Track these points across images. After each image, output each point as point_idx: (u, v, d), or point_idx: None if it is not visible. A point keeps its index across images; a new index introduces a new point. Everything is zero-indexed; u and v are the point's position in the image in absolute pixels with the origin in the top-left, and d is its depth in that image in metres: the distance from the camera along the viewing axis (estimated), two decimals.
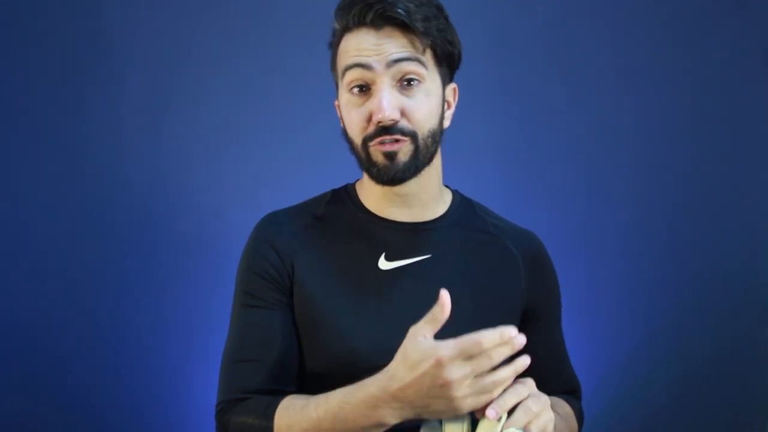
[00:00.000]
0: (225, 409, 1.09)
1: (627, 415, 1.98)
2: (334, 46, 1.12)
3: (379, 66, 1.05)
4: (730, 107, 2.00)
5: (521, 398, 0.93)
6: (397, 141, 1.06)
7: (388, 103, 1.04)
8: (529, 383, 0.95)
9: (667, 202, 2.02)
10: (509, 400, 0.91)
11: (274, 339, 1.10)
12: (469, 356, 0.85)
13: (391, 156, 1.07)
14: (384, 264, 1.13)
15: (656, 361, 2.01)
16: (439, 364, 0.85)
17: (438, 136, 1.11)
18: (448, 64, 1.12)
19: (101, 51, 1.99)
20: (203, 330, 1.95)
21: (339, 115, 1.15)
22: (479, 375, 0.87)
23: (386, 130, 1.06)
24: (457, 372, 0.86)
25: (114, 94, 2.00)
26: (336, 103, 1.17)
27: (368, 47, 1.05)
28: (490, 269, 1.16)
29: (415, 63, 1.06)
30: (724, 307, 2.00)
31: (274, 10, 2.00)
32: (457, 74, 1.17)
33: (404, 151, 1.07)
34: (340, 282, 1.11)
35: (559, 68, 2.03)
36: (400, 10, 1.04)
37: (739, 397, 1.99)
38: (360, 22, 1.06)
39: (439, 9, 1.10)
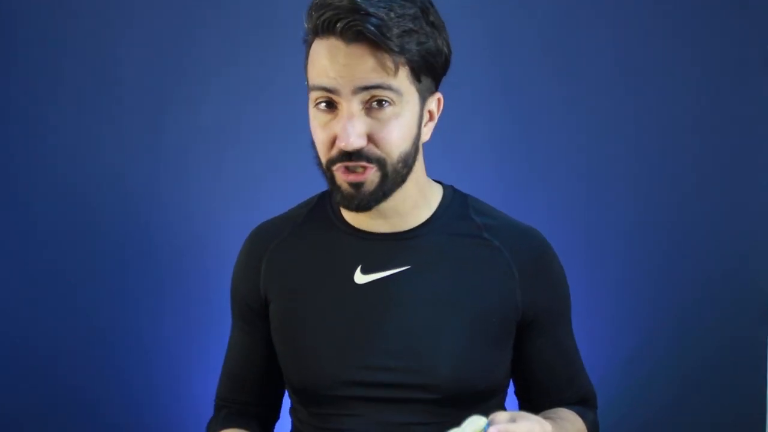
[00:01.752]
0: (214, 409, 1.21)
1: (627, 415, 1.97)
2: (307, 45, 1.02)
3: (345, 90, 0.96)
4: (730, 107, 2.00)
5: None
6: (363, 168, 0.99)
7: (352, 130, 0.96)
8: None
9: (667, 202, 2.02)
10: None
11: (247, 359, 1.17)
12: None
13: (356, 185, 1.00)
14: (360, 278, 1.07)
15: (656, 361, 2.00)
16: None
17: (412, 157, 1.02)
18: (432, 75, 1.03)
19: (100, 51, 1.99)
20: (203, 330, 1.95)
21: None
22: None
23: (350, 156, 0.98)
24: None
25: (113, 94, 1.99)
26: None
27: (335, 67, 0.96)
28: (478, 279, 1.08)
29: (386, 89, 0.96)
30: (724, 307, 2.00)
31: (274, 10, 2.00)
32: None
33: (370, 179, 0.99)
34: (313, 298, 1.09)
35: (559, 68, 2.02)
36: (371, 27, 0.93)
37: (739, 397, 1.99)
38: (329, 30, 0.96)
39: (425, 12, 0.99)
